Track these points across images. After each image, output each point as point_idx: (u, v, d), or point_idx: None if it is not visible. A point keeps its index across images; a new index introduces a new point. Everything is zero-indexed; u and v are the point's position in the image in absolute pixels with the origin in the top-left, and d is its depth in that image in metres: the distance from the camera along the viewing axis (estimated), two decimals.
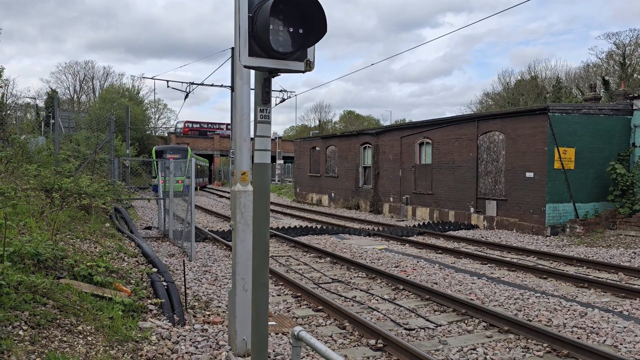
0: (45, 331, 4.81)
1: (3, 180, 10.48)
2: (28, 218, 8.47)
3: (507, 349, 6.22)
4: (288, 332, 6.61)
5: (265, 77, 3.59)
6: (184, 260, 8.82)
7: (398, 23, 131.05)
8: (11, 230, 6.95)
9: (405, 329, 6.94)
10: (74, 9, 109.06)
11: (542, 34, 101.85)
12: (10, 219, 7.11)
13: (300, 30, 3.37)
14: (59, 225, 9.22)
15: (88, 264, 6.91)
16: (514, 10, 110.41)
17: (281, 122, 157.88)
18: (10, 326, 4.64)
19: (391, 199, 23.97)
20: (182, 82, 27.11)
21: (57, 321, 5.07)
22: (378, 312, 7.73)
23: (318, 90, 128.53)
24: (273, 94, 4.18)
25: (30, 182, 11.60)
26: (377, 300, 8.48)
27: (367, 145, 25.98)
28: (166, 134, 64.34)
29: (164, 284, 7.61)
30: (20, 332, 4.60)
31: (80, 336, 5.00)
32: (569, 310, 7.80)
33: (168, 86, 27.16)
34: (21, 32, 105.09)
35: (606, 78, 40.03)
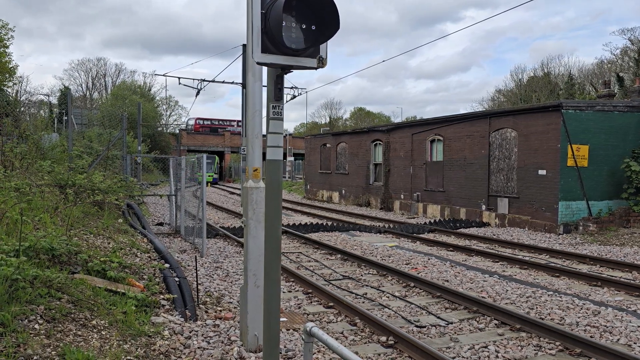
0: (60, 325, 4.88)
1: (18, 176, 10.62)
2: (43, 214, 8.58)
3: (519, 347, 6.18)
4: (299, 329, 6.63)
5: (278, 74, 3.60)
6: (195, 257, 8.87)
7: (419, 18, 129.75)
8: (26, 225, 7.05)
9: (416, 326, 6.93)
10: (94, 6, 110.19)
11: (563, 29, 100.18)
12: (26, 214, 7.20)
13: (313, 27, 3.37)
14: (73, 220, 9.33)
15: (101, 259, 6.99)
16: (536, 4, 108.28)
17: (294, 119, 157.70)
18: (26, 320, 4.71)
19: (402, 196, 23.91)
20: (194, 79, 27.26)
21: (72, 315, 5.14)
22: (389, 309, 7.73)
23: (333, 86, 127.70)
24: (284, 90, 4.16)
25: (44, 178, 11.75)
26: (388, 297, 8.48)
27: (377, 142, 25.92)
28: (177, 131, 64.65)
29: (176, 279, 7.67)
30: (36, 326, 4.67)
31: (95, 330, 5.06)
32: (581, 308, 7.74)
33: (180, 83, 27.32)
34: (41, 29, 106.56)
35: (620, 74, 39.49)
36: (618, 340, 6.42)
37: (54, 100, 49.06)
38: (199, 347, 5.54)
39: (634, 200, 16.17)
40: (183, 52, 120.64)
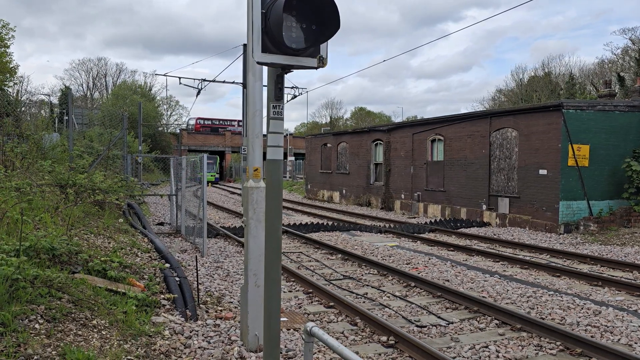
0: (60, 325, 4.88)
1: (19, 176, 10.62)
2: (43, 213, 8.58)
3: (520, 347, 6.18)
4: (300, 328, 6.63)
5: (278, 74, 3.59)
6: (196, 256, 8.88)
7: (421, 18, 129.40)
8: (27, 225, 7.05)
9: (417, 326, 6.93)
10: (95, 5, 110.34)
11: (564, 29, 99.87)
12: (26, 214, 7.20)
13: (313, 27, 3.37)
14: (74, 220, 9.33)
15: (102, 259, 6.99)
16: (537, 4, 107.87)
17: (294, 118, 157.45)
18: (27, 319, 4.71)
19: (402, 196, 23.90)
20: (194, 79, 27.30)
21: (72, 315, 5.14)
22: (389, 309, 7.73)
23: (334, 86, 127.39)
24: (284, 90, 4.14)
25: (45, 177, 11.76)
26: (389, 297, 8.47)
27: (378, 141, 25.91)
28: (178, 131, 64.63)
29: (177, 279, 7.67)
30: (37, 326, 4.67)
31: (95, 330, 5.06)
32: (582, 308, 7.74)
33: (180, 83, 27.35)
34: (42, 29, 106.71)
35: (621, 74, 39.42)
36: (619, 340, 6.41)
37: (54, 100, 49.09)
38: (199, 347, 5.54)
39: (635, 200, 16.15)
40: (184, 52, 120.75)
